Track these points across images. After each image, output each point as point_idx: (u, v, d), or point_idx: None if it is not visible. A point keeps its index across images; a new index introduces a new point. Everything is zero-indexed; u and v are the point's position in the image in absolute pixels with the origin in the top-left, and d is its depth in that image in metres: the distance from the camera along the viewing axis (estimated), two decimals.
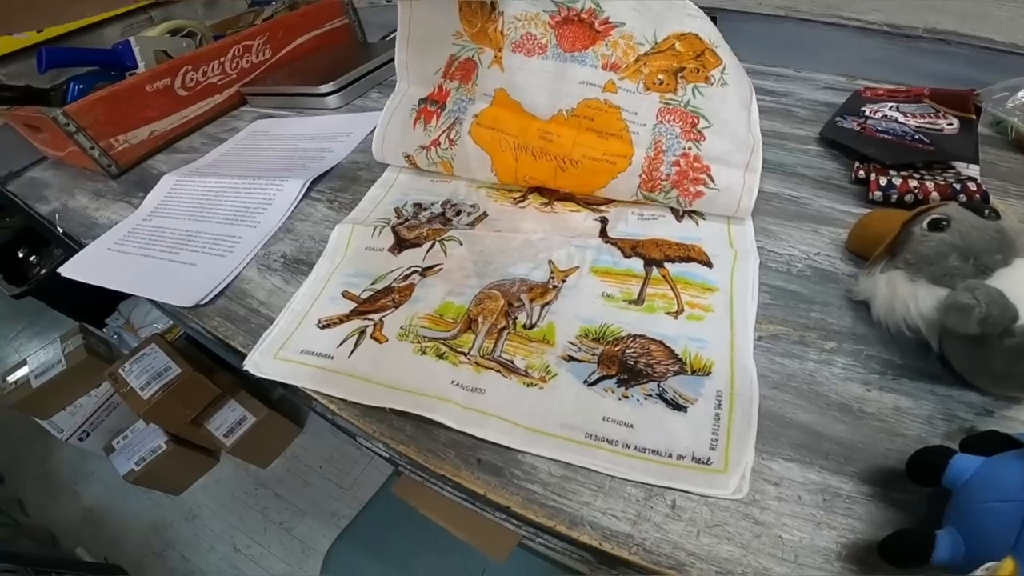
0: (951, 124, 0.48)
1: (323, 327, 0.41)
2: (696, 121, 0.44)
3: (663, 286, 0.39)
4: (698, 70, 0.44)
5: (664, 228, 0.44)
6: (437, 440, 0.33)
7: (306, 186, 0.58)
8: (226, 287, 0.48)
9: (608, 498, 0.29)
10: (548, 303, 0.40)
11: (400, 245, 0.48)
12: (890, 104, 0.52)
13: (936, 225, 0.31)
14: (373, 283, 0.44)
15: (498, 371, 0.35)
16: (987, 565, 0.19)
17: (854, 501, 0.27)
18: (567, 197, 0.50)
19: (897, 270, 0.32)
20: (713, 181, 0.43)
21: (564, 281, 0.41)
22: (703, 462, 0.29)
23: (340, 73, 0.78)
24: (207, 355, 1.21)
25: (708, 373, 0.33)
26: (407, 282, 0.43)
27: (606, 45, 0.45)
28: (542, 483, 0.30)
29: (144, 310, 1.34)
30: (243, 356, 0.40)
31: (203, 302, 0.46)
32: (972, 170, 0.43)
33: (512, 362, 0.36)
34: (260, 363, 0.39)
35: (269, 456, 1.28)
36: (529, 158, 0.47)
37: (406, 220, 0.51)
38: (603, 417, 0.32)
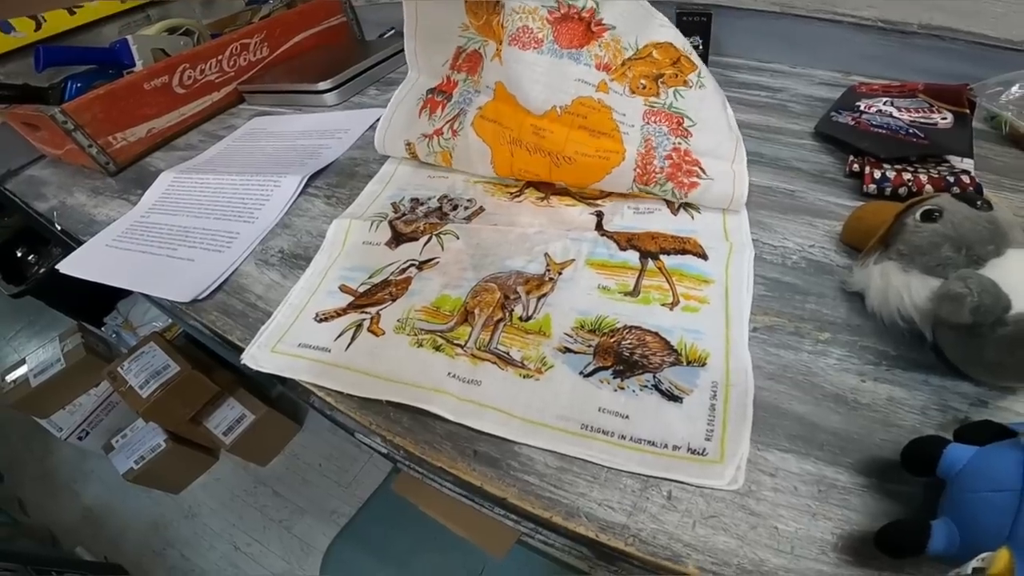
0: (945, 119, 0.48)
1: (320, 321, 0.41)
2: (681, 120, 0.46)
3: (659, 278, 0.39)
4: (676, 75, 0.46)
5: (660, 221, 0.45)
6: (434, 432, 0.33)
7: (304, 182, 0.58)
8: (224, 282, 0.48)
9: (604, 489, 0.29)
10: (544, 295, 0.40)
11: (397, 239, 0.48)
12: (885, 99, 0.52)
13: (929, 216, 0.31)
14: (370, 277, 0.44)
15: (494, 363, 0.36)
16: (982, 555, 0.19)
17: (849, 492, 0.27)
18: (563, 192, 0.50)
19: (890, 261, 0.32)
20: (705, 172, 0.44)
21: (560, 274, 0.41)
22: (699, 453, 0.29)
23: (338, 70, 0.78)
24: (206, 353, 1.21)
25: (703, 364, 0.33)
26: (404, 275, 0.44)
27: (599, 46, 0.46)
28: (538, 474, 0.30)
29: (143, 309, 1.34)
30: (241, 350, 0.40)
31: (201, 297, 0.46)
32: (966, 164, 0.44)
33: (508, 354, 0.36)
34: (258, 356, 0.39)
35: (268, 454, 1.28)
36: (524, 152, 0.48)
37: (403, 215, 0.51)
38: (599, 408, 0.32)
